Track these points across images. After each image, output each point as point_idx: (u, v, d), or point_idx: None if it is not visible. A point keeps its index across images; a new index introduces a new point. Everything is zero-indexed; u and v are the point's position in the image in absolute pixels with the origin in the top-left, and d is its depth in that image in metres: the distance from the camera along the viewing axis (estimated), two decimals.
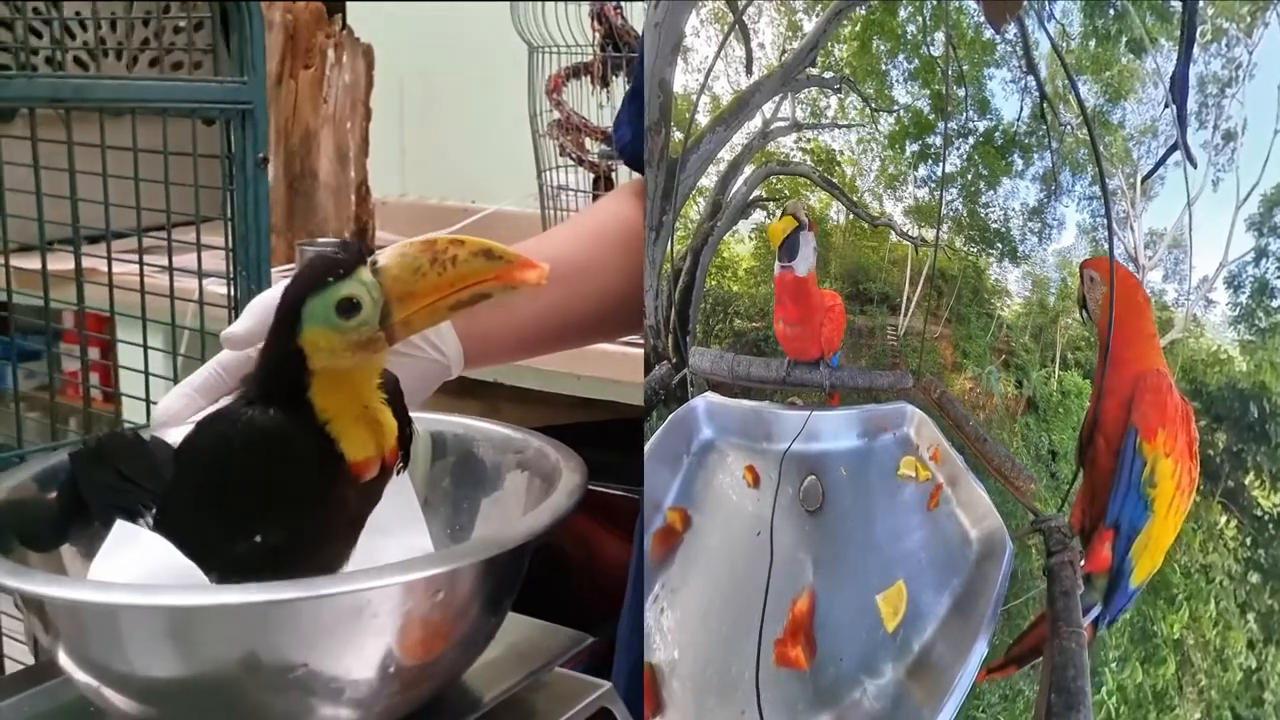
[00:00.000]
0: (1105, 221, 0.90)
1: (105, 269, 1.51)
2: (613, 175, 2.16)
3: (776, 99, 1.07)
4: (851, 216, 1.10)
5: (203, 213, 1.53)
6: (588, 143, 2.17)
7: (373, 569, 0.73)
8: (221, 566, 0.75)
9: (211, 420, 0.79)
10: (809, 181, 1.10)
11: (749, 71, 1.05)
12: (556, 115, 2.16)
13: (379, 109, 2.59)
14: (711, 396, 1.10)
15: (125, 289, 1.56)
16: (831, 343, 1.06)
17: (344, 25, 2.56)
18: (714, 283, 1.12)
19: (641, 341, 1.92)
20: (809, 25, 1.04)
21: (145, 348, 1.55)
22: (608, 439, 0.92)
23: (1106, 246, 0.90)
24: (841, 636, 0.90)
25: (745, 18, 1.03)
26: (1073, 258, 0.99)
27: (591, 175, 2.17)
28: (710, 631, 0.94)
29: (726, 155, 1.09)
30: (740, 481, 1.08)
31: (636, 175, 1.22)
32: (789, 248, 1.01)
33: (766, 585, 0.93)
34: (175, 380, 1.60)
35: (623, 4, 2.09)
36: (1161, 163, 0.91)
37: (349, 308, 0.71)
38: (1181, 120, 0.88)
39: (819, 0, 1.03)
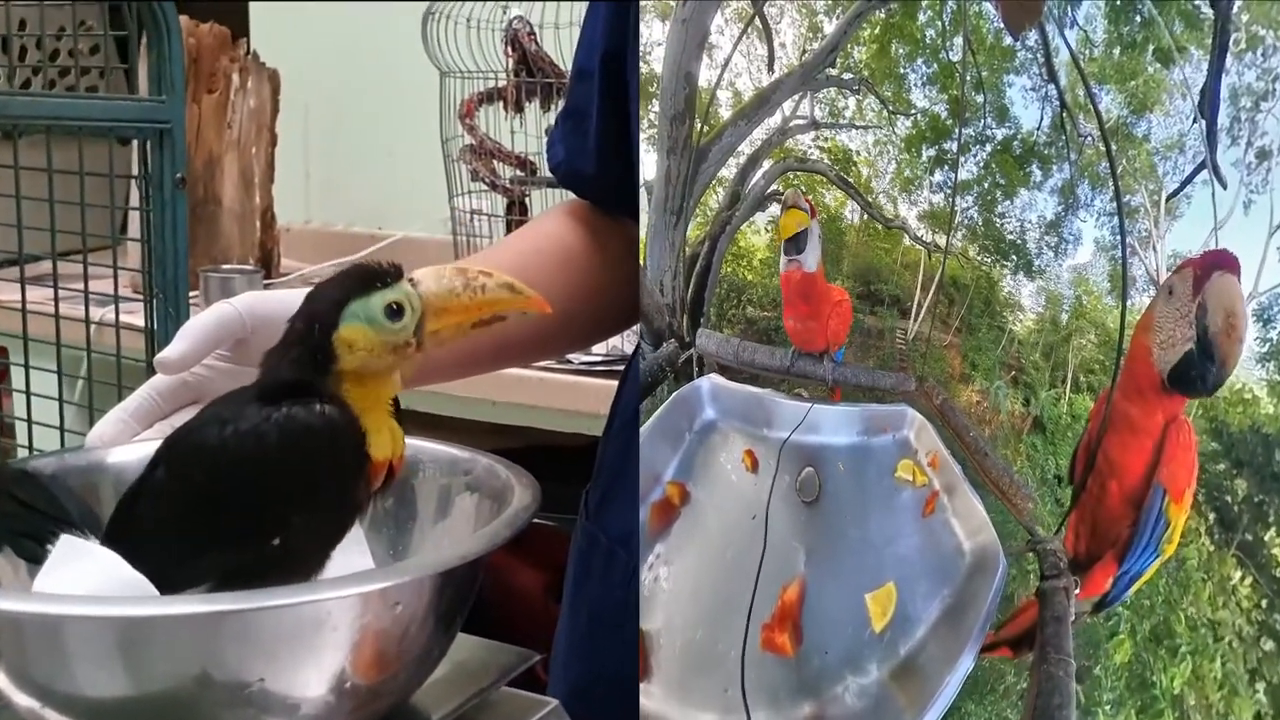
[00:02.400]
0: (1129, 239, 0.88)
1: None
2: (526, 200, 2.15)
3: (796, 97, 1.08)
4: (866, 217, 1.10)
5: (94, 235, 1.50)
6: (500, 168, 2.16)
7: (333, 579, 0.72)
8: (222, 575, 0.74)
9: (219, 422, 0.77)
10: (825, 179, 1.11)
11: (770, 69, 1.06)
12: (469, 140, 2.16)
13: (284, 134, 2.56)
14: (716, 378, 1.11)
15: (33, 314, 1.53)
16: (837, 336, 1.07)
17: (249, 49, 2.53)
18: (729, 270, 1.13)
19: (560, 366, 1.93)
20: (829, 27, 1.05)
21: (59, 374, 1.52)
22: (522, 467, 0.91)
23: (1125, 265, 0.89)
24: (828, 629, 0.91)
25: (768, 18, 1.04)
26: (1089, 275, 0.97)
27: (505, 200, 2.16)
28: (700, 606, 0.94)
29: (746, 149, 1.10)
30: (739, 464, 1.09)
31: (569, 196, 1.22)
32: (797, 241, 1.02)
33: (759, 569, 0.93)
34: (92, 406, 1.57)
35: (536, 30, 2.09)
36: (1188, 181, 0.86)
37: (394, 312, 0.76)
38: (1211, 136, 0.83)
39: (839, 2, 1.03)
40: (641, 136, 1.05)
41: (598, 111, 1.12)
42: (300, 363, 0.77)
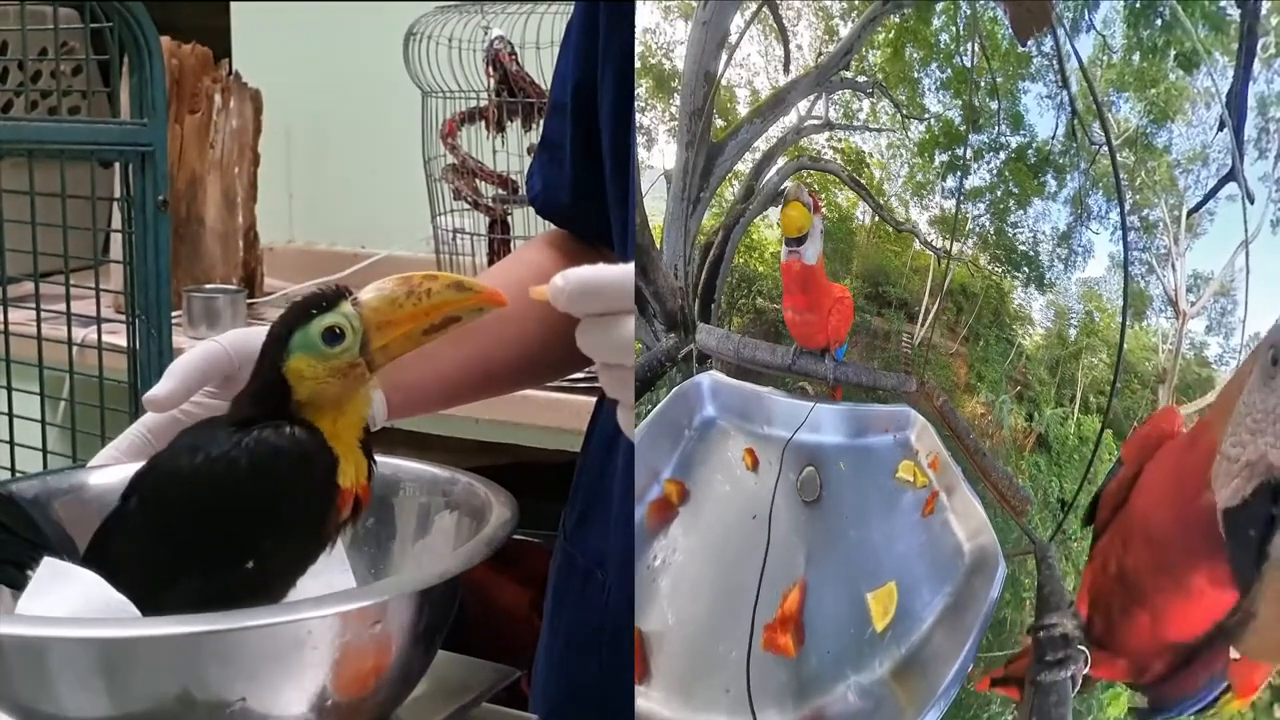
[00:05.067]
0: (1145, 256, 0.84)
1: None
2: (509, 219, 2.16)
3: (811, 98, 1.09)
4: (877, 219, 1.10)
5: (76, 257, 1.51)
6: (482, 186, 2.17)
7: (313, 599, 0.73)
8: (198, 600, 0.74)
9: (191, 450, 0.78)
10: (838, 179, 1.11)
11: (786, 70, 1.07)
12: (451, 160, 2.17)
13: (267, 154, 2.57)
14: (716, 375, 1.11)
15: (15, 335, 1.54)
16: (839, 333, 1.07)
17: (231, 70, 2.54)
18: (741, 260, 1.13)
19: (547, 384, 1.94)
20: (845, 30, 1.05)
21: (42, 396, 1.53)
22: (506, 484, 0.92)
23: (1142, 283, 0.84)
24: (830, 629, 0.91)
25: (785, 21, 1.06)
26: (1102, 291, 0.93)
27: (487, 219, 2.17)
28: (701, 606, 0.94)
29: (762, 145, 1.10)
30: (740, 463, 1.09)
31: (550, 225, 1.23)
32: (799, 236, 1.02)
33: (762, 570, 0.93)
34: (74, 427, 1.57)
35: (517, 50, 2.10)
36: (1212, 195, 0.81)
37: (333, 336, 0.76)
38: (1238, 147, 0.77)
39: (854, 6, 1.03)
40: (663, 128, 1.06)
41: (571, 143, 1.14)
42: (259, 398, 0.78)
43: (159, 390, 0.90)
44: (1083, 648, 0.76)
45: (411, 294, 0.77)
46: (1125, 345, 0.89)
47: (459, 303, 0.78)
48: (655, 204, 1.08)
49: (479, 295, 0.78)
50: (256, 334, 0.94)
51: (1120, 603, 0.71)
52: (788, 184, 1.14)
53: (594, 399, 1.21)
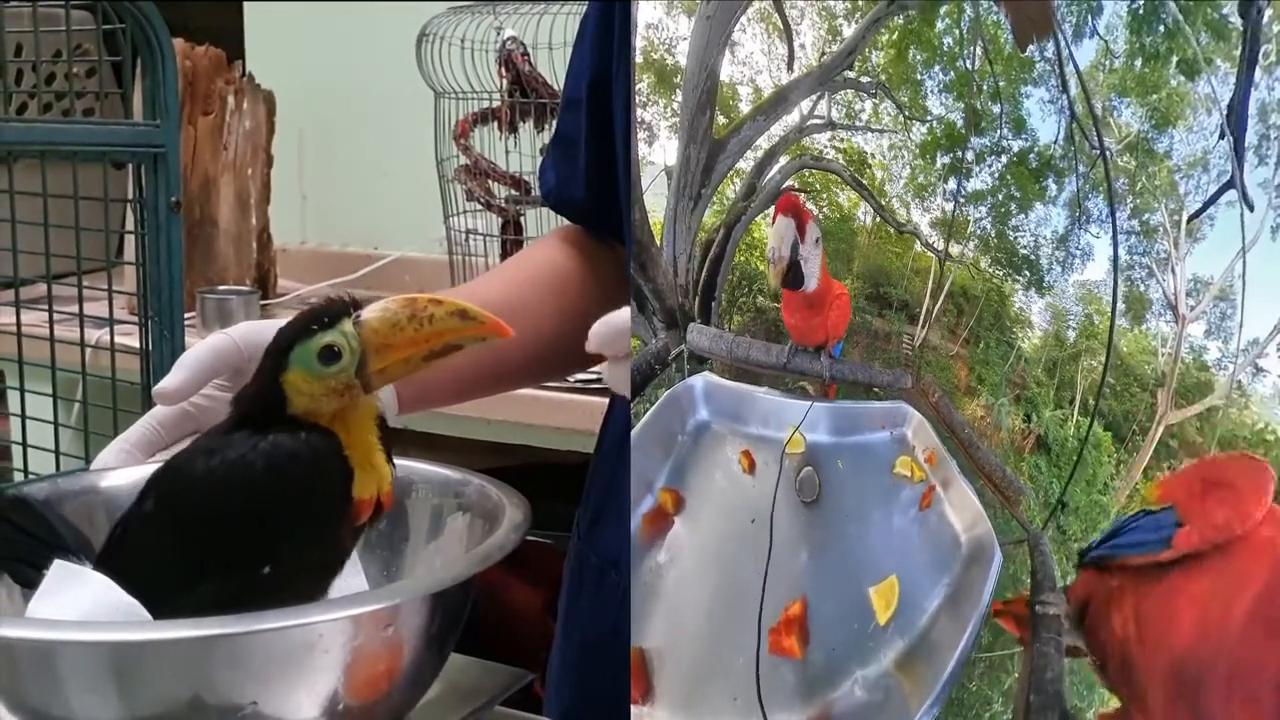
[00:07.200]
0: (1146, 260, 0.83)
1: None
2: (521, 219, 2.16)
3: (814, 97, 1.08)
4: (878, 219, 1.10)
5: (89, 259, 1.51)
6: (495, 187, 2.17)
7: (324, 602, 0.72)
8: (216, 604, 0.74)
9: (207, 452, 0.78)
10: (839, 179, 1.11)
11: (790, 68, 1.07)
12: (464, 160, 2.17)
13: (280, 155, 2.57)
14: (710, 376, 1.10)
15: (28, 337, 1.54)
16: (836, 329, 1.06)
17: (244, 71, 2.54)
18: (743, 259, 1.13)
19: (556, 384, 1.94)
20: (848, 30, 1.05)
21: (55, 397, 1.53)
22: (518, 485, 0.92)
23: (1142, 287, 0.83)
24: (834, 626, 0.90)
25: (790, 19, 1.06)
26: (1101, 294, 0.93)
27: (500, 220, 2.17)
28: (702, 617, 0.93)
29: (764, 143, 1.10)
30: (736, 467, 1.08)
31: (563, 221, 1.23)
32: (793, 278, 1.01)
33: (765, 574, 0.93)
34: (87, 429, 1.57)
35: (529, 50, 2.10)
36: (1212, 201, 0.81)
37: (329, 356, 0.76)
38: (1239, 154, 0.78)
39: (858, 6, 1.03)
40: (664, 124, 1.06)
41: (585, 139, 1.14)
42: (258, 402, 0.78)
43: (168, 383, 0.90)
44: (1076, 643, 0.80)
45: (414, 318, 0.76)
46: (1125, 349, 0.90)
47: (461, 331, 0.77)
48: (657, 200, 1.07)
49: (483, 326, 0.77)
50: (266, 327, 0.93)
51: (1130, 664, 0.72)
52: (791, 181, 1.14)
53: (606, 400, 1.20)
